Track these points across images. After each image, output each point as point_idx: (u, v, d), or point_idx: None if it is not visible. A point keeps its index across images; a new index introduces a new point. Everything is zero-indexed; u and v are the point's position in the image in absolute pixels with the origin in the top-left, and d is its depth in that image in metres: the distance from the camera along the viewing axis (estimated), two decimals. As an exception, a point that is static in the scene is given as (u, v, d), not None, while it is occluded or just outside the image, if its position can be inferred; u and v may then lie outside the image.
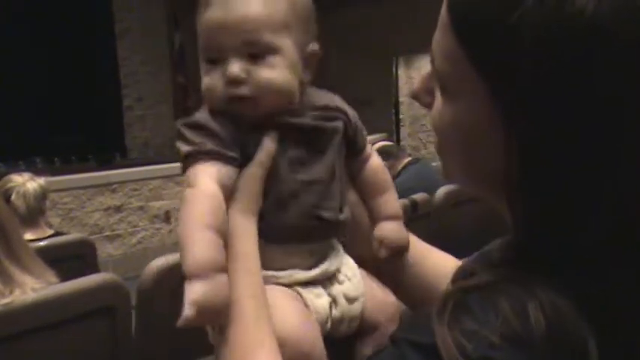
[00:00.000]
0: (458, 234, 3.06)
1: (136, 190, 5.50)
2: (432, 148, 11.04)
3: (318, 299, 0.80)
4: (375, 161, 0.90)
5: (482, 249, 0.84)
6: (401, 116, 10.54)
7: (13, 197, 2.52)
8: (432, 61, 0.60)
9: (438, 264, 0.92)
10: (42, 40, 6.79)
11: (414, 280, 0.91)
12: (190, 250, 0.67)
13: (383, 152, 3.66)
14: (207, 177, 0.73)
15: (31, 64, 6.74)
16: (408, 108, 10.93)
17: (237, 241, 0.74)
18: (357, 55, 8.59)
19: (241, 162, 0.76)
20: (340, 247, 0.88)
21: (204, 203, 0.71)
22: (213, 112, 0.77)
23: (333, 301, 0.82)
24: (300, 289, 0.80)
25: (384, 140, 5.95)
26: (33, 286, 1.48)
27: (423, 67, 10.87)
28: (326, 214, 0.80)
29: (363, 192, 0.89)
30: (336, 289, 0.83)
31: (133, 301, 1.74)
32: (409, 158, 3.74)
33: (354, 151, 0.87)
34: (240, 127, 0.77)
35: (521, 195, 0.53)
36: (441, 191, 3.22)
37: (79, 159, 6.23)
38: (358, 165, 0.89)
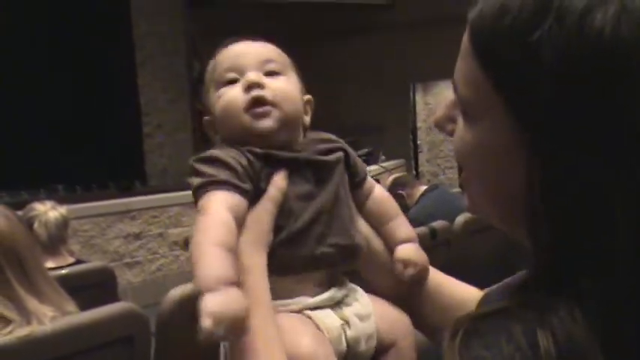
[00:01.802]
0: (477, 261, 3.03)
1: (155, 217, 5.53)
2: (450, 174, 11.00)
3: (328, 319, 0.82)
4: (379, 191, 0.93)
5: (508, 279, 0.84)
6: (419, 142, 10.53)
7: (35, 225, 2.55)
8: (455, 89, 0.61)
9: (455, 292, 0.93)
10: (64, 68, 6.90)
11: (431, 308, 0.91)
12: (202, 267, 0.69)
13: (398, 183, 3.66)
14: (220, 204, 0.75)
15: (52, 92, 6.85)
16: (426, 134, 10.93)
17: (248, 276, 0.75)
18: (375, 81, 8.63)
19: (253, 196, 0.79)
20: (346, 279, 0.89)
21: (217, 227, 0.72)
22: (226, 146, 0.81)
23: (346, 323, 0.83)
24: (309, 312, 0.81)
25: (401, 167, 5.94)
26: (50, 316, 1.49)
27: (440, 93, 10.90)
28: (338, 240, 0.82)
29: (372, 222, 0.91)
30: (347, 310, 0.84)
31: (152, 329, 1.74)
32: (426, 185, 3.73)
33: (356, 182, 0.90)
34: (252, 162, 0.79)
35: (544, 218, 0.52)
36: (461, 218, 3.20)
37: (99, 186, 6.29)
38: (362, 197, 0.91)
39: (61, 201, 3.01)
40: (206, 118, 0.89)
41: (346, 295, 0.86)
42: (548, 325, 0.49)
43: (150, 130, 7.59)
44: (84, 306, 1.68)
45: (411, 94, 10.08)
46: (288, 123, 0.83)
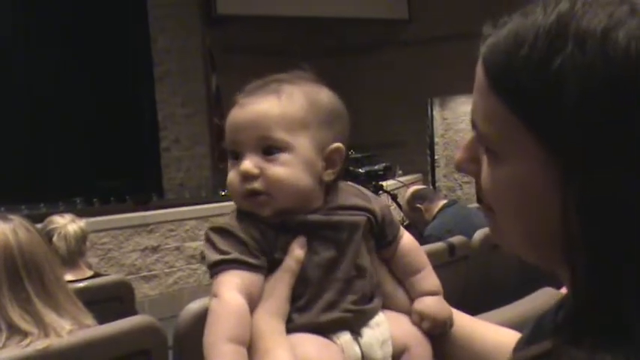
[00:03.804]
0: (496, 277, 3.00)
1: (172, 230, 5.55)
2: (467, 189, 10.94)
3: (352, 343, 0.81)
4: (408, 241, 0.91)
5: (538, 317, 0.81)
6: (436, 157, 10.50)
7: (54, 238, 2.57)
8: (474, 127, 0.59)
9: (487, 337, 0.90)
10: (83, 83, 6.98)
11: (462, 356, 0.89)
12: None
13: (417, 196, 3.64)
14: (232, 288, 0.75)
15: (70, 107, 6.93)
16: (443, 149, 10.90)
17: (266, 340, 0.75)
18: (392, 96, 8.63)
19: (269, 266, 0.79)
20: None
21: (229, 317, 0.73)
22: (239, 216, 0.80)
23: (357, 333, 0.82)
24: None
25: (418, 182, 5.91)
26: (68, 329, 1.49)
27: (457, 108, 10.87)
28: (354, 306, 0.81)
29: (398, 274, 0.90)
30: (367, 334, 0.83)
31: (169, 342, 1.74)
32: (445, 201, 3.70)
33: (384, 242, 0.88)
34: (266, 232, 0.79)
35: (583, 255, 0.50)
36: (479, 234, 3.17)
37: (117, 200, 6.34)
38: (390, 252, 0.90)
39: (79, 214, 3.03)
40: None
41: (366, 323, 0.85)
42: None
43: (167, 145, 7.64)
44: (102, 319, 1.68)
45: (429, 108, 10.06)
46: (289, 208, 0.80)
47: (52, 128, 6.82)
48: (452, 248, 2.61)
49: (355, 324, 0.83)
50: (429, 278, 0.90)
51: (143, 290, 5.25)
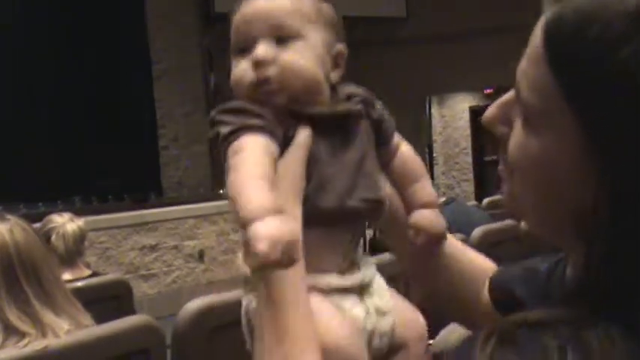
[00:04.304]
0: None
1: (170, 229, 5.55)
2: (465, 187, 10.95)
3: (355, 309, 0.80)
4: (406, 150, 0.89)
5: (525, 264, 0.82)
6: (434, 155, 10.50)
7: (53, 238, 2.57)
8: (517, 92, 0.58)
9: (474, 261, 0.91)
10: (80, 81, 6.98)
11: (450, 275, 0.89)
12: (245, 198, 0.65)
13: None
14: (256, 145, 0.72)
15: (68, 105, 6.92)
16: (442, 147, 10.90)
17: None
18: (390, 94, 8.61)
19: (282, 146, 0.76)
20: (372, 260, 0.87)
21: (255, 163, 0.70)
22: (247, 102, 0.77)
23: (367, 314, 0.81)
24: (337, 298, 0.79)
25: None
26: (66, 329, 1.49)
27: (455, 105, 10.87)
28: (366, 195, 0.79)
29: (395, 182, 0.88)
30: (369, 301, 0.81)
31: (168, 342, 1.74)
32: (443, 199, 3.71)
33: (382, 139, 0.86)
34: (277, 113, 0.77)
35: (608, 233, 0.50)
36: (478, 232, 3.17)
37: (115, 198, 6.33)
38: (388, 155, 0.88)
39: (78, 213, 3.03)
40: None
41: (371, 282, 0.83)
42: (583, 345, 0.47)
43: (166, 143, 7.64)
44: (100, 318, 1.68)
45: (427, 106, 10.06)
46: (300, 96, 0.79)
47: (50, 127, 6.82)
48: (451, 246, 2.60)
49: (368, 216, 0.82)
50: (425, 189, 0.88)
51: (142, 289, 5.25)
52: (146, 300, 5.16)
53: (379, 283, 0.85)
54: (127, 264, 5.26)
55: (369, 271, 0.84)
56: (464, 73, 8.61)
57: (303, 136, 0.77)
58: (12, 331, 1.44)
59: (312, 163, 0.77)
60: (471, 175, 10.81)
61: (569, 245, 0.57)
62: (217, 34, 7.42)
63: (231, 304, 1.78)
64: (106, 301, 2.38)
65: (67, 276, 2.51)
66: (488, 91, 10.49)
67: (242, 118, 0.75)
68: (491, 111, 0.63)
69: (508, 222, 3.69)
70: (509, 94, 0.61)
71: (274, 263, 0.62)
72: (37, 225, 2.63)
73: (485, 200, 5.66)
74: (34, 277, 1.52)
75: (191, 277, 5.66)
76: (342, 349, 0.73)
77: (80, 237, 2.65)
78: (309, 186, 0.76)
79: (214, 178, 7.43)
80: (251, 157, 0.70)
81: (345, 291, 0.80)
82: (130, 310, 2.44)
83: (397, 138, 0.89)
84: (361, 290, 0.82)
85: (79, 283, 2.40)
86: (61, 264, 2.51)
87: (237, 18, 0.82)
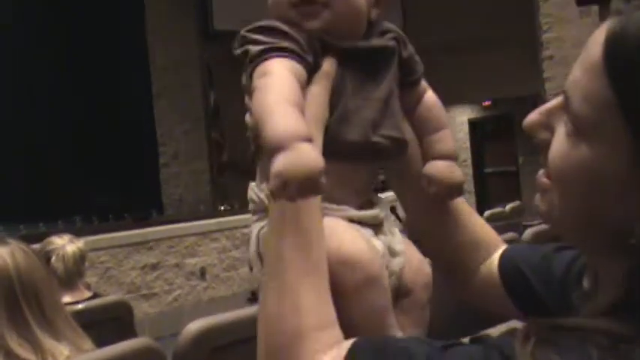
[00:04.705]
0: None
1: (171, 247, 5.54)
2: (467, 199, 10.88)
3: (372, 239, 0.78)
4: (431, 97, 0.87)
5: (537, 250, 0.81)
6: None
7: (53, 260, 2.56)
8: (566, 102, 0.58)
9: (481, 229, 0.90)
10: (82, 100, 7.00)
11: (454, 236, 0.88)
12: (271, 122, 0.63)
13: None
14: (284, 68, 0.70)
15: (69, 124, 6.94)
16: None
17: None
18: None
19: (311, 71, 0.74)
20: (384, 200, 0.85)
21: (284, 85, 0.67)
22: (280, 23, 0.75)
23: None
24: (357, 226, 0.77)
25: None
26: (66, 354, 1.48)
27: (453, 117, 10.87)
28: (391, 132, 0.78)
29: (417, 128, 0.86)
30: (382, 238, 0.80)
31: (169, 362, 1.72)
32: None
33: (410, 81, 0.84)
34: (311, 38, 0.75)
35: None
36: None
37: (115, 217, 6.32)
38: (414, 99, 0.85)
39: (78, 232, 3.03)
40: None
41: (386, 220, 0.82)
42: (623, 358, 0.48)
43: (166, 160, 7.65)
44: (101, 340, 1.66)
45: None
46: (341, 23, 0.76)
47: (50, 146, 6.83)
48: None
49: (390, 153, 0.79)
50: (446, 140, 0.85)
51: (143, 308, 5.22)
52: (147, 320, 5.14)
53: (392, 224, 0.84)
54: (128, 283, 5.25)
55: (382, 209, 0.82)
56: (462, 86, 8.63)
57: (329, 65, 0.75)
58: (13, 358, 1.43)
59: (337, 95, 0.75)
60: (472, 188, 10.80)
61: (605, 260, 0.57)
62: (217, 51, 7.46)
63: (233, 325, 1.77)
64: (107, 322, 2.37)
65: (67, 298, 2.50)
66: (487, 103, 10.51)
67: (274, 39, 0.72)
68: (533, 117, 0.63)
69: (509, 235, 3.68)
70: (554, 102, 0.61)
71: (288, 199, 0.60)
72: (37, 246, 2.63)
73: (487, 213, 5.65)
74: (35, 302, 1.50)
75: (192, 295, 5.64)
76: (367, 259, 0.71)
77: (80, 258, 2.65)
78: (332, 117, 0.75)
79: (215, 195, 7.43)
80: (281, 80, 0.68)
81: (360, 224, 0.78)
82: (131, 332, 2.43)
83: (423, 84, 0.87)
84: (375, 228, 0.80)
85: (80, 306, 2.39)
86: (61, 286, 2.50)
87: None
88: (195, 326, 1.70)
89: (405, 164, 0.85)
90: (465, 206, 0.89)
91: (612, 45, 0.53)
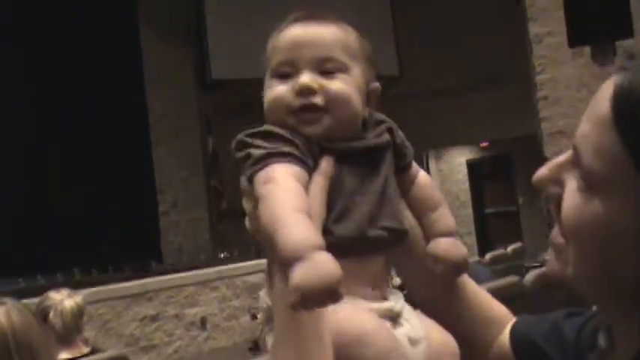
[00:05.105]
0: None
1: (171, 297, 5.48)
2: (468, 240, 10.87)
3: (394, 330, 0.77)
4: (423, 176, 0.89)
5: (547, 319, 0.81)
6: (434, 209, 10.49)
7: (50, 315, 2.52)
8: (576, 157, 0.58)
9: (490, 305, 0.89)
10: (79, 151, 7.03)
11: (464, 313, 0.87)
12: (284, 234, 0.64)
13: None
14: (287, 173, 0.71)
15: (66, 174, 6.96)
16: (441, 200, 10.90)
17: None
18: (387, 151, 8.68)
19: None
20: (400, 293, 0.84)
21: (289, 191, 0.68)
22: (278, 128, 0.76)
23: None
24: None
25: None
26: None
27: (452, 160, 10.93)
28: (388, 223, 0.78)
29: (414, 209, 0.87)
30: (399, 331, 0.78)
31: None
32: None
33: (401, 165, 0.85)
34: (309, 140, 0.76)
35: None
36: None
37: (114, 268, 6.28)
38: (408, 182, 0.87)
39: (77, 285, 3.00)
40: (263, 93, 0.84)
41: (401, 312, 0.81)
42: None
43: (165, 208, 7.64)
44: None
45: (424, 161, 10.12)
46: (340, 127, 0.78)
47: (47, 199, 6.83)
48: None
49: (390, 244, 0.80)
50: (445, 218, 0.86)
51: (143, 362, 5.14)
52: (147, 373, 5.05)
53: (408, 311, 0.83)
54: (127, 336, 5.17)
55: (398, 301, 0.82)
56: (459, 127, 8.70)
57: (327, 164, 0.76)
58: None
59: (336, 193, 0.76)
60: (472, 229, 10.77)
61: (622, 314, 0.56)
62: (215, 98, 7.54)
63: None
64: (106, 379, 2.32)
65: (65, 355, 2.46)
66: (484, 144, 10.58)
67: (274, 144, 0.74)
68: (543, 172, 0.63)
69: (511, 278, 3.65)
70: (564, 157, 0.61)
71: (306, 309, 0.61)
72: (36, 300, 2.60)
73: (488, 255, 5.62)
74: None
75: (193, 347, 5.55)
76: (376, 335, 0.71)
77: (78, 314, 2.61)
78: (331, 216, 0.75)
79: (214, 243, 7.40)
80: (287, 188, 0.69)
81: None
82: (130, 388, 2.38)
83: (415, 165, 0.89)
84: (391, 320, 0.79)
85: (78, 363, 2.35)
86: (59, 342, 2.46)
87: (281, 40, 0.81)
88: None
89: (408, 247, 0.85)
90: (471, 283, 0.89)
91: (620, 100, 0.53)
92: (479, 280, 2.97)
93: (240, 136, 0.77)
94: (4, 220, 6.42)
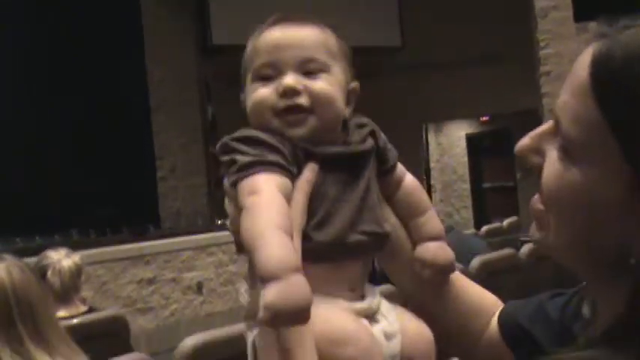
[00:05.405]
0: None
1: (168, 261, 5.52)
2: (465, 214, 10.93)
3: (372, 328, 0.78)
4: (410, 180, 0.89)
5: (533, 300, 0.82)
6: (432, 182, 10.51)
7: (48, 274, 2.55)
8: (556, 124, 0.58)
9: (480, 295, 0.91)
10: (78, 113, 7.01)
11: (456, 307, 0.88)
12: (263, 252, 0.65)
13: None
14: (272, 185, 0.72)
15: (66, 137, 6.94)
16: (439, 174, 10.91)
17: None
18: (387, 123, 8.63)
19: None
20: (376, 289, 0.86)
21: (272, 206, 0.69)
22: (263, 132, 0.77)
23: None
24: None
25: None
26: None
27: (452, 133, 10.91)
28: (368, 228, 0.79)
29: (400, 213, 0.88)
30: (376, 328, 0.80)
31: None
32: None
33: (384, 169, 0.86)
34: (295, 147, 0.77)
35: None
36: (476, 261, 3.16)
37: (112, 231, 6.30)
38: (392, 185, 0.88)
39: (75, 246, 3.02)
40: (242, 95, 0.84)
41: (378, 309, 0.82)
42: None
43: (164, 174, 7.64)
44: (96, 355, 1.65)
45: (423, 134, 10.10)
46: (326, 127, 0.79)
47: (46, 160, 6.82)
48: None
49: (370, 248, 0.81)
50: (432, 222, 0.87)
51: (139, 323, 5.19)
52: (144, 334, 5.11)
53: (385, 306, 0.84)
54: (125, 297, 5.22)
55: (375, 298, 0.83)
56: (460, 101, 8.66)
57: (310, 171, 0.76)
58: (6, 374, 1.42)
59: (319, 200, 0.77)
60: (469, 203, 10.81)
61: (604, 281, 0.56)
62: (215, 65, 7.49)
63: (229, 340, 1.76)
64: (103, 337, 2.35)
65: (62, 313, 2.48)
66: (485, 118, 10.55)
67: (259, 150, 0.74)
68: (524, 142, 0.63)
69: (507, 251, 3.68)
70: (545, 126, 0.61)
71: (275, 328, 0.64)
72: (34, 260, 2.62)
73: (484, 228, 5.66)
74: (29, 318, 1.50)
75: (189, 310, 5.61)
76: (357, 337, 0.72)
77: (76, 273, 2.63)
78: (312, 222, 0.76)
79: (212, 209, 7.41)
80: (270, 201, 0.70)
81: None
82: (127, 347, 2.42)
83: (401, 169, 0.89)
84: (368, 318, 0.80)
85: (75, 320, 2.38)
86: (56, 301, 2.49)
87: (262, 43, 0.81)
88: (191, 341, 1.69)
89: (393, 249, 0.86)
90: (458, 276, 0.90)
91: (598, 67, 0.53)
92: (475, 252, 3.01)
93: (225, 140, 0.77)
94: (1, 181, 6.42)
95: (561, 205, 0.58)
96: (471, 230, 6.43)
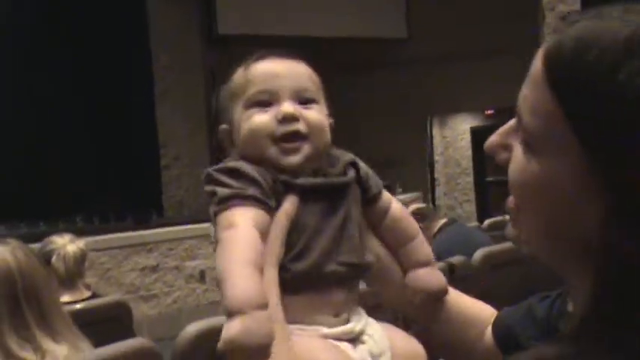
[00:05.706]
0: (496, 297, 2.98)
1: (171, 249, 5.54)
2: (468, 207, 10.92)
3: (349, 351, 0.79)
4: (397, 209, 0.90)
5: (524, 304, 0.83)
6: (436, 175, 10.50)
7: (53, 259, 2.56)
8: (518, 118, 0.59)
9: (474, 305, 0.92)
10: (83, 100, 7.01)
11: (451, 319, 0.90)
12: (231, 286, 0.67)
13: (417, 214, 3.63)
14: (248, 220, 0.74)
15: (71, 124, 6.95)
16: (443, 167, 10.90)
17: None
18: (392, 115, 8.65)
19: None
20: (362, 311, 0.87)
21: (245, 242, 0.71)
22: (246, 162, 0.79)
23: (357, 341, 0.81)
24: (332, 341, 0.79)
25: (418, 200, 5.89)
26: (64, 355, 1.47)
27: (456, 126, 10.89)
28: (347, 259, 0.80)
29: (389, 241, 0.89)
30: (361, 349, 0.81)
31: (167, 363, 1.73)
32: (444, 220, 3.70)
33: (368, 197, 0.87)
34: (275, 181, 0.79)
35: (617, 257, 0.50)
36: (479, 253, 3.16)
37: (116, 218, 6.32)
38: (378, 214, 0.89)
39: (79, 232, 3.03)
40: (223, 127, 0.87)
41: (363, 331, 0.83)
42: None
43: (167, 162, 7.65)
44: (99, 340, 1.67)
45: (428, 127, 10.08)
46: (317, 155, 0.82)
47: (51, 146, 6.83)
48: (452, 268, 2.60)
49: (349, 279, 0.82)
50: (421, 248, 0.89)
51: (142, 310, 5.22)
52: (146, 321, 5.13)
53: (372, 326, 0.85)
54: (128, 285, 5.24)
55: (360, 321, 0.84)
56: (465, 94, 8.63)
57: (289, 206, 0.78)
58: (12, 359, 1.43)
59: (298, 232, 0.79)
60: (472, 196, 10.79)
61: (575, 274, 0.57)
62: (220, 54, 7.47)
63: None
64: (106, 323, 2.37)
65: (66, 298, 2.50)
66: (489, 111, 10.52)
67: (239, 183, 0.76)
68: (492, 139, 0.64)
69: (508, 244, 3.68)
70: (511, 122, 0.62)
71: None
72: (38, 245, 2.63)
73: (487, 222, 5.64)
74: (35, 303, 1.51)
75: (192, 298, 5.63)
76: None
77: (81, 258, 2.64)
78: (290, 254, 0.78)
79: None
80: (244, 237, 0.72)
81: (336, 339, 0.80)
82: (130, 332, 2.43)
83: (387, 197, 0.90)
84: (352, 341, 0.82)
85: (79, 305, 2.39)
86: (61, 285, 2.50)
87: (257, 72, 0.84)
88: (193, 328, 1.70)
89: (383, 277, 0.88)
90: (451, 291, 0.91)
91: (551, 57, 0.54)
92: (478, 245, 3.00)
93: (209, 170, 0.80)
94: (6, 167, 6.44)
95: (525, 199, 0.59)
96: (474, 223, 6.43)
